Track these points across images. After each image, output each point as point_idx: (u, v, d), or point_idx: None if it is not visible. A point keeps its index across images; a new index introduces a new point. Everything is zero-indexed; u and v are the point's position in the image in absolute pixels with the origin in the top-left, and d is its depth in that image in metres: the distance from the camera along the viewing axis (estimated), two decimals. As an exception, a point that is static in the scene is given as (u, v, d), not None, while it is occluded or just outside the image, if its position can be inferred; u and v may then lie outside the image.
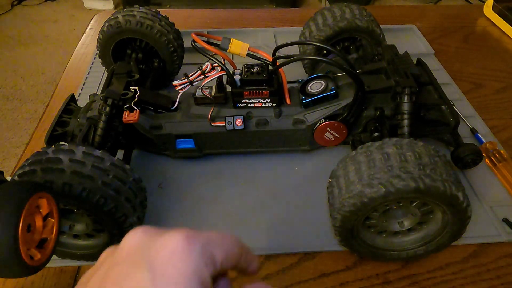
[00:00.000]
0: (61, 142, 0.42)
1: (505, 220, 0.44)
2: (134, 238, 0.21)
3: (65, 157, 0.35)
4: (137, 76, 0.49)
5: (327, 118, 0.44)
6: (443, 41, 0.75)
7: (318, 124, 0.45)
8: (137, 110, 0.43)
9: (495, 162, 0.48)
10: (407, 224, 0.39)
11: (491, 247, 0.42)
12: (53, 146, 0.36)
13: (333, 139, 0.46)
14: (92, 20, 0.79)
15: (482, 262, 0.41)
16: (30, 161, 0.35)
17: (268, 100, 0.45)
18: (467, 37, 0.76)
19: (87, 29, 0.77)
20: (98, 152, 0.36)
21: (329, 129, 0.45)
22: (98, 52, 0.56)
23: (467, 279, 0.40)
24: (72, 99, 0.47)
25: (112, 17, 0.53)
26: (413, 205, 0.36)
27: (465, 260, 0.41)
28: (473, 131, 0.53)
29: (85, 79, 0.63)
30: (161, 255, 0.19)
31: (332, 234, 0.41)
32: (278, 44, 0.45)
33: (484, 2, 0.82)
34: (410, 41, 0.73)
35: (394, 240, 0.39)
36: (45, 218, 0.29)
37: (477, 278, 0.40)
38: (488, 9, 0.81)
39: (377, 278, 0.40)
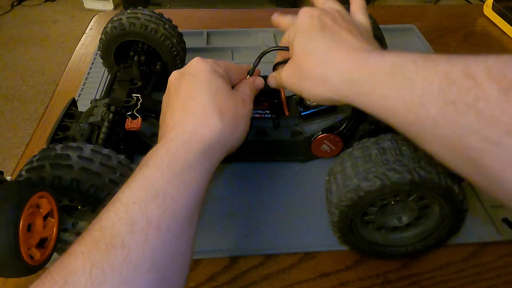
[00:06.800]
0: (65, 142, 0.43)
1: (505, 220, 0.44)
2: (171, 74, 0.38)
3: (74, 153, 0.35)
4: (139, 83, 0.49)
5: (324, 130, 0.45)
6: (443, 41, 0.75)
7: (316, 136, 0.45)
8: (140, 118, 0.43)
9: (495, 161, 0.48)
10: (405, 219, 0.39)
11: (491, 247, 0.42)
12: (61, 144, 0.37)
13: (329, 151, 0.47)
14: (92, 21, 0.79)
15: (482, 262, 0.41)
16: (38, 157, 0.36)
17: (268, 112, 0.46)
18: (467, 37, 0.77)
19: (87, 30, 0.76)
20: (105, 150, 0.37)
21: (325, 141, 0.46)
22: (99, 52, 0.56)
23: (467, 279, 0.40)
24: (73, 103, 0.48)
25: (116, 19, 0.53)
26: (410, 199, 0.36)
27: (465, 259, 0.41)
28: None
29: (85, 80, 0.63)
30: (191, 67, 0.37)
31: (332, 234, 0.41)
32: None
33: (484, 2, 0.82)
34: (410, 41, 0.73)
35: (393, 236, 0.39)
36: (45, 218, 0.29)
37: (477, 277, 0.40)
38: (488, 9, 0.81)
39: (377, 278, 0.40)
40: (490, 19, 0.81)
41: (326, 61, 0.33)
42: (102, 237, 0.25)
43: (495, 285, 0.39)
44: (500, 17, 0.78)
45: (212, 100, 0.34)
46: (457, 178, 0.34)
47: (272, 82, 0.42)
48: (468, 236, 0.41)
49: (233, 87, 0.39)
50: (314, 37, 0.35)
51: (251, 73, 0.42)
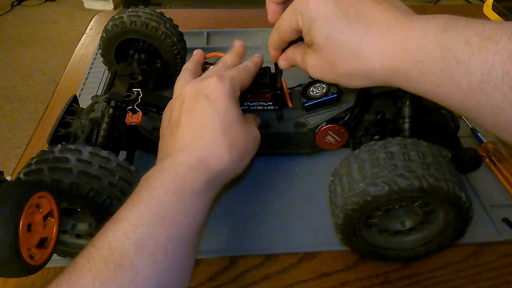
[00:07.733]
0: (64, 143, 0.42)
1: (505, 220, 0.44)
2: (187, 87, 0.36)
3: (72, 156, 0.35)
4: (140, 78, 0.49)
5: (328, 121, 0.45)
6: (443, 41, 0.74)
7: (320, 127, 0.45)
8: (140, 112, 0.43)
9: (495, 161, 0.48)
10: (408, 223, 0.39)
11: (491, 247, 0.42)
12: (60, 146, 0.36)
13: (334, 143, 0.46)
14: (92, 21, 0.79)
15: (482, 262, 0.41)
16: (36, 159, 0.35)
17: (270, 103, 0.45)
18: (467, 37, 0.76)
19: (87, 30, 0.77)
20: (104, 153, 0.36)
21: (330, 133, 0.45)
22: (100, 50, 0.56)
23: (467, 279, 0.40)
24: (74, 100, 0.48)
25: (117, 17, 0.53)
26: (416, 204, 0.36)
27: (465, 259, 0.41)
28: (473, 131, 0.53)
29: (85, 80, 0.63)
30: (208, 89, 0.35)
31: (333, 234, 0.41)
32: None
33: (484, 2, 0.82)
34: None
35: (395, 240, 0.39)
36: (45, 218, 0.29)
37: (477, 277, 0.40)
38: (488, 9, 0.81)
39: (377, 278, 0.40)
40: (490, 19, 0.80)
41: (363, 55, 0.30)
42: (112, 257, 0.26)
43: (495, 285, 0.39)
44: (500, 17, 0.78)
45: (225, 132, 0.34)
46: (465, 185, 0.34)
47: (284, 64, 0.40)
48: (468, 236, 0.41)
49: (243, 91, 0.39)
50: (338, 27, 0.30)
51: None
